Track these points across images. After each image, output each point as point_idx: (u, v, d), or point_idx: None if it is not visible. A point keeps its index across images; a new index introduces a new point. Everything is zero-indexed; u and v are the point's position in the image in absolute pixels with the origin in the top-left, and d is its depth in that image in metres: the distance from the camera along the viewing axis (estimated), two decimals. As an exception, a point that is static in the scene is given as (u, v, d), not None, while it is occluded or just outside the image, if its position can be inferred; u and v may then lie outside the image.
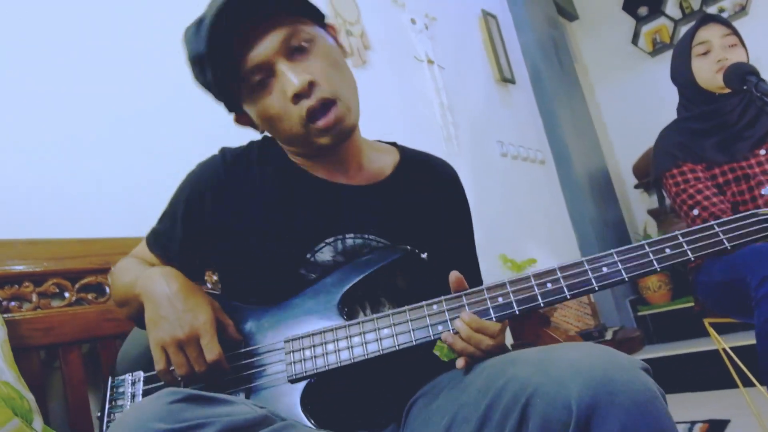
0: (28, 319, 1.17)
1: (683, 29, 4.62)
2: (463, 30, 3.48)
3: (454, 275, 0.84)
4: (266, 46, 0.85)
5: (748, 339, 2.53)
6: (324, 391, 0.85)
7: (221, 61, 0.86)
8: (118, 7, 1.67)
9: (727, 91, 1.76)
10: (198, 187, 0.99)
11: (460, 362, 0.81)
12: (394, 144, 1.12)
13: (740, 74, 1.61)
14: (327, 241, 0.94)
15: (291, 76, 0.85)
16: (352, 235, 0.95)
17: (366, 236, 0.95)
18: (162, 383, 0.88)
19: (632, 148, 4.58)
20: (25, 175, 1.34)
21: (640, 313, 3.62)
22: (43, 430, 0.99)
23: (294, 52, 0.87)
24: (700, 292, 1.84)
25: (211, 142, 1.06)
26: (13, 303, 1.18)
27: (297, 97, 0.85)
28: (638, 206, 4.79)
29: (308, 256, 0.93)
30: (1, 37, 1.39)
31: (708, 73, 1.78)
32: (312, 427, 0.77)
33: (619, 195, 4.51)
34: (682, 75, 1.86)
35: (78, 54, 1.53)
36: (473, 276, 1.07)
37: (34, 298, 1.21)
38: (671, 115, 1.96)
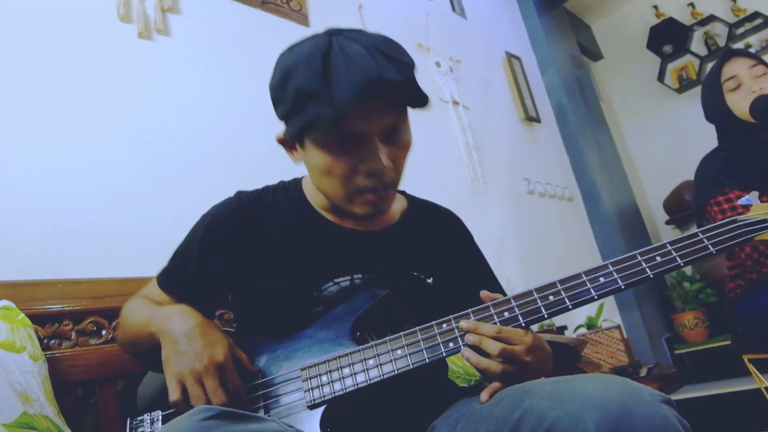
0: (66, 356, 1.20)
1: (710, 66, 4.61)
2: (488, 72, 3.54)
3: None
4: (374, 124, 0.87)
5: (791, 377, 2.44)
6: (343, 416, 0.85)
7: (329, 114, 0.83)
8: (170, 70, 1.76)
9: None
10: (213, 226, 1.02)
11: (484, 395, 0.81)
12: (402, 192, 1.16)
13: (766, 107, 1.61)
14: (336, 280, 0.97)
15: (382, 158, 0.88)
16: (360, 276, 0.98)
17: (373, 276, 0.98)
18: None
19: (662, 185, 4.54)
20: (68, 219, 1.40)
21: (677, 352, 3.51)
22: (80, 464, 1.01)
23: (390, 137, 0.90)
24: (742, 323, 1.77)
25: (236, 184, 1.10)
26: (53, 341, 1.22)
27: (371, 175, 0.90)
28: (671, 243, 4.70)
29: (314, 293, 0.96)
30: (53, 100, 1.48)
31: (745, 107, 1.77)
32: None
33: (650, 231, 4.44)
34: (717, 112, 1.85)
35: (123, 108, 1.61)
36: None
37: (73, 335, 1.25)
38: (700, 150, 1.95)
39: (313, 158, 0.91)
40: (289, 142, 0.97)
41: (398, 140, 0.92)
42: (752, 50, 4.42)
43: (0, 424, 0.89)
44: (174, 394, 0.83)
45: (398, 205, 1.11)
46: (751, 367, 1.88)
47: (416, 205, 1.15)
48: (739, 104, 1.78)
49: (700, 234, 0.82)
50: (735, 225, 0.83)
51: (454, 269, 1.07)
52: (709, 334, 3.55)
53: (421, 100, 0.87)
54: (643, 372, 2.24)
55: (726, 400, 2.83)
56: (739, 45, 4.49)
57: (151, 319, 0.93)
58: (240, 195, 1.06)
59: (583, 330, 2.68)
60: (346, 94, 0.81)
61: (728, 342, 3.03)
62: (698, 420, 2.89)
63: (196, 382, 0.82)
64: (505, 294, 1.11)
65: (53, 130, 1.45)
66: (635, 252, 0.84)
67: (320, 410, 0.83)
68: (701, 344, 3.45)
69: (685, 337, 3.58)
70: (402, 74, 0.85)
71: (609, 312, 3.28)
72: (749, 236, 0.82)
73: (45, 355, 1.11)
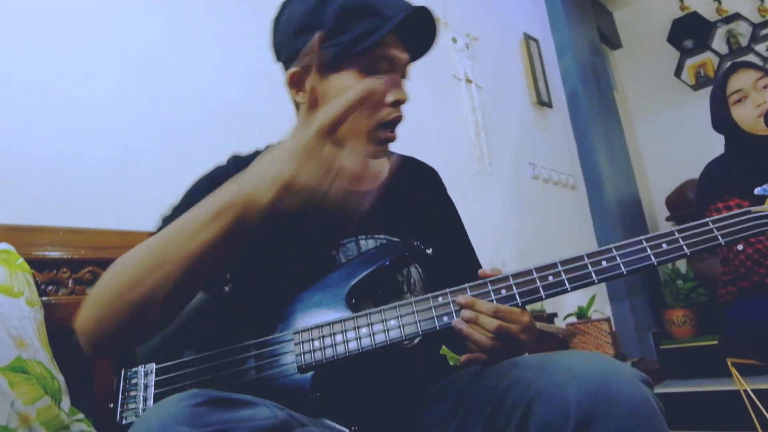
0: (63, 303, 1.22)
1: (728, 66, 4.56)
2: (504, 52, 3.50)
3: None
4: (402, 57, 0.94)
5: (770, 383, 2.48)
6: (334, 382, 0.86)
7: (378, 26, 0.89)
8: (166, 19, 1.74)
9: None
10: (208, 185, 0.98)
11: (464, 357, 0.82)
12: None
13: None
14: (342, 242, 0.97)
15: (405, 90, 0.95)
16: (364, 236, 0.98)
17: (377, 236, 0.99)
18: (174, 374, 0.90)
19: (667, 181, 4.53)
20: (74, 167, 1.40)
21: (662, 347, 3.56)
22: (70, 411, 1.03)
23: (402, 77, 0.97)
24: (730, 330, 1.81)
25: (242, 144, 1.10)
26: (50, 287, 1.23)
27: (396, 104, 0.94)
28: (669, 239, 4.71)
29: (333, 253, 0.96)
30: (64, 49, 1.47)
31: (751, 119, 1.79)
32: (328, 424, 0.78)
33: (649, 226, 4.45)
34: (724, 124, 1.88)
35: (132, 60, 1.61)
36: (475, 267, 1.11)
37: (70, 283, 1.26)
38: (710, 149, 1.96)
39: (342, 86, 0.91)
40: (303, 79, 0.95)
41: (404, 85, 0.97)
42: (773, 53, 4.37)
43: (-6, 367, 0.91)
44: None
45: (383, 161, 1.11)
46: (733, 370, 1.92)
47: (398, 159, 1.14)
48: (745, 117, 1.80)
49: (710, 223, 0.80)
50: (748, 216, 0.80)
51: (439, 227, 1.08)
52: (696, 332, 3.59)
53: (431, 37, 0.96)
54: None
55: (706, 398, 2.89)
56: (761, 46, 4.43)
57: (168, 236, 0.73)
58: (235, 158, 1.05)
59: (573, 319, 2.71)
60: (397, 12, 0.87)
61: (714, 342, 3.07)
62: (676, 414, 2.95)
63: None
64: (478, 263, 1.14)
65: (62, 78, 1.44)
66: (641, 237, 0.81)
67: (311, 374, 0.84)
68: (687, 342, 3.50)
69: (672, 333, 3.62)
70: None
71: (600, 303, 3.31)
72: (762, 229, 0.79)
73: (41, 300, 1.13)
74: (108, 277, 0.77)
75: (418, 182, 1.13)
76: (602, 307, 3.36)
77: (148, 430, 0.59)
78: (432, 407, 0.87)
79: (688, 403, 2.95)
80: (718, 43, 4.66)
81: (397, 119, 0.95)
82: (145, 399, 0.93)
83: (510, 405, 0.67)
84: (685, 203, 4.24)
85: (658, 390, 2.94)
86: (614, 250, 0.81)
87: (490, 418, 0.69)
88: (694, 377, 3.30)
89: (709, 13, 4.67)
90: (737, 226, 0.79)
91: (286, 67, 0.97)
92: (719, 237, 0.79)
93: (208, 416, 0.60)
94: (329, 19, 0.88)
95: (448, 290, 0.85)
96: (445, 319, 0.83)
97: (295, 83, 0.97)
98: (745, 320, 1.72)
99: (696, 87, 4.69)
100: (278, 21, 0.97)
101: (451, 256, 1.08)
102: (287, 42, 0.95)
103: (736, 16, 4.52)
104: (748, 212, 0.80)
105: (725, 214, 0.81)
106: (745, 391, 1.96)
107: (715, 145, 1.98)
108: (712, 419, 2.82)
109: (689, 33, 4.72)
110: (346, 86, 0.91)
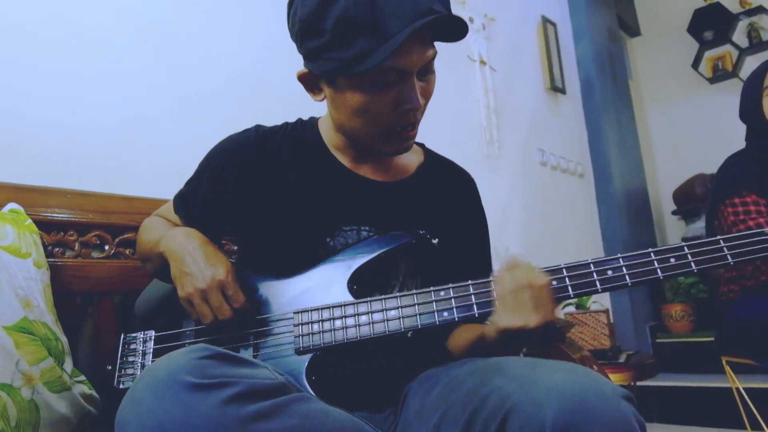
0: (69, 265, 1.23)
1: (748, 59, 4.50)
2: (521, 34, 3.45)
3: None
4: (416, 60, 0.85)
5: (763, 382, 2.50)
6: (328, 366, 0.88)
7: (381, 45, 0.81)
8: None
9: None
10: (227, 155, 1.03)
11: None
12: (420, 144, 1.15)
13: None
14: (344, 228, 0.97)
15: (417, 95, 0.87)
16: (367, 227, 0.98)
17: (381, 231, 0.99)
18: (172, 344, 0.95)
19: (676, 174, 4.51)
20: (84, 131, 1.40)
21: (658, 340, 3.58)
22: (72, 372, 1.05)
23: (423, 73, 0.89)
24: (730, 327, 1.80)
25: (253, 113, 1.10)
26: (56, 249, 1.24)
27: (407, 112, 0.89)
28: (673, 233, 4.72)
29: (320, 238, 0.97)
30: (78, 13, 1.46)
31: None
32: (318, 399, 0.80)
33: (655, 219, 4.44)
34: (753, 115, 1.82)
35: (147, 27, 1.59)
36: (487, 270, 1.11)
37: (77, 246, 1.27)
38: (722, 145, 1.93)
39: (346, 97, 0.89)
40: (314, 80, 0.94)
41: (429, 76, 0.91)
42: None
43: (1, 326, 0.93)
44: (192, 316, 0.90)
45: (415, 158, 1.10)
46: (727, 368, 1.93)
47: (432, 159, 1.13)
48: None
49: (721, 242, 0.79)
50: (763, 237, 0.78)
51: (458, 233, 1.07)
52: (693, 328, 3.61)
53: (460, 33, 0.86)
54: (623, 358, 2.29)
55: (697, 394, 2.92)
56: (782, 42, 4.37)
57: (160, 240, 0.98)
58: (258, 128, 1.06)
59: (572, 308, 2.72)
60: (400, 27, 0.79)
61: (710, 339, 3.09)
62: (667, 407, 2.98)
63: (202, 300, 0.87)
64: (491, 270, 1.12)
65: (75, 42, 1.43)
66: (650, 250, 0.81)
67: (308, 357, 0.86)
68: (683, 336, 3.52)
69: (670, 327, 3.64)
70: (444, 7, 0.86)
71: (600, 294, 3.31)
72: None
73: (48, 262, 1.14)
74: (144, 224, 1.15)
75: (447, 183, 1.11)
76: (601, 298, 3.38)
77: (156, 377, 0.62)
78: (417, 399, 0.86)
79: (680, 397, 2.98)
80: (739, 36, 4.59)
81: (410, 124, 0.92)
82: (143, 366, 0.95)
83: (487, 415, 0.66)
84: (692, 198, 4.22)
85: (652, 383, 2.97)
86: (621, 261, 0.81)
87: (467, 424, 0.68)
88: (689, 372, 3.33)
89: (732, 4, 4.59)
90: (749, 247, 0.78)
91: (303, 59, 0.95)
92: (729, 257, 0.78)
93: (213, 369, 0.63)
94: (328, 30, 0.81)
95: (450, 286, 0.86)
96: (445, 314, 0.84)
97: (306, 83, 0.96)
98: (748, 319, 1.71)
99: (713, 80, 4.63)
100: (289, 11, 0.92)
101: (464, 258, 1.07)
102: (294, 38, 0.92)
103: (760, 9, 4.44)
104: (763, 233, 0.78)
105: (739, 233, 0.79)
106: (738, 389, 1.97)
107: (727, 141, 1.95)
108: (703, 414, 2.86)
109: (710, 24, 4.64)
110: (348, 102, 0.89)
